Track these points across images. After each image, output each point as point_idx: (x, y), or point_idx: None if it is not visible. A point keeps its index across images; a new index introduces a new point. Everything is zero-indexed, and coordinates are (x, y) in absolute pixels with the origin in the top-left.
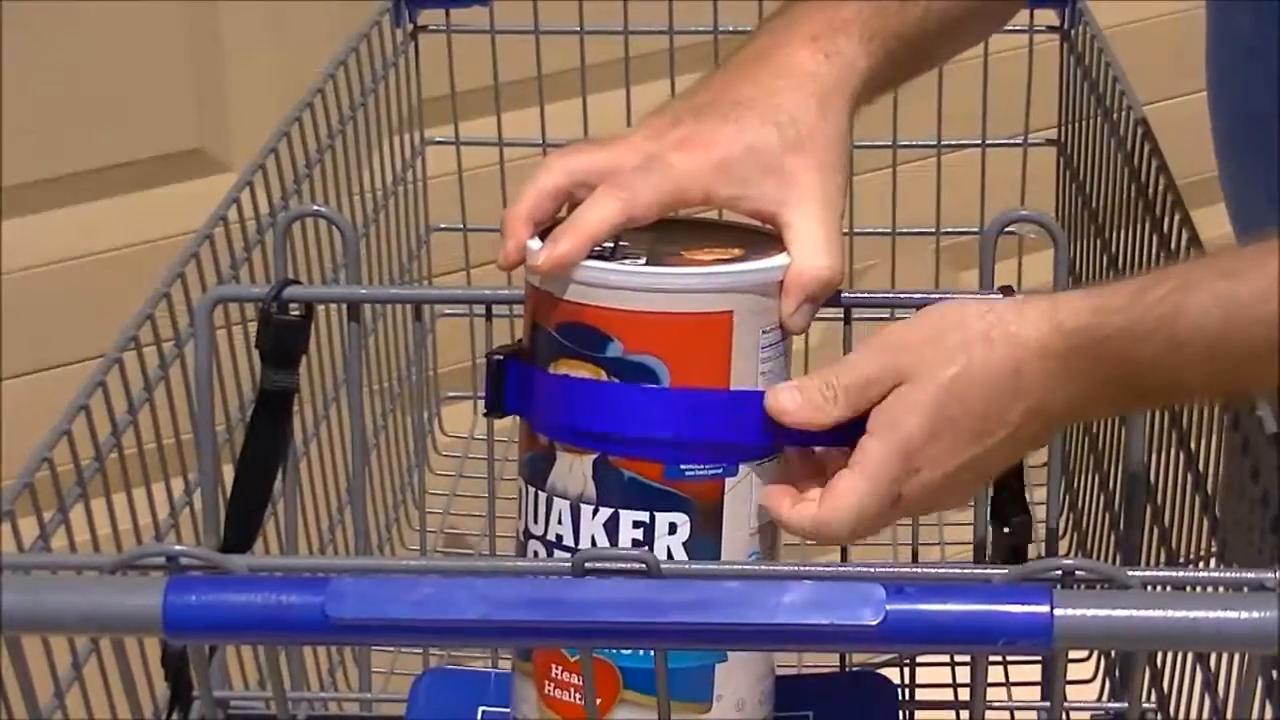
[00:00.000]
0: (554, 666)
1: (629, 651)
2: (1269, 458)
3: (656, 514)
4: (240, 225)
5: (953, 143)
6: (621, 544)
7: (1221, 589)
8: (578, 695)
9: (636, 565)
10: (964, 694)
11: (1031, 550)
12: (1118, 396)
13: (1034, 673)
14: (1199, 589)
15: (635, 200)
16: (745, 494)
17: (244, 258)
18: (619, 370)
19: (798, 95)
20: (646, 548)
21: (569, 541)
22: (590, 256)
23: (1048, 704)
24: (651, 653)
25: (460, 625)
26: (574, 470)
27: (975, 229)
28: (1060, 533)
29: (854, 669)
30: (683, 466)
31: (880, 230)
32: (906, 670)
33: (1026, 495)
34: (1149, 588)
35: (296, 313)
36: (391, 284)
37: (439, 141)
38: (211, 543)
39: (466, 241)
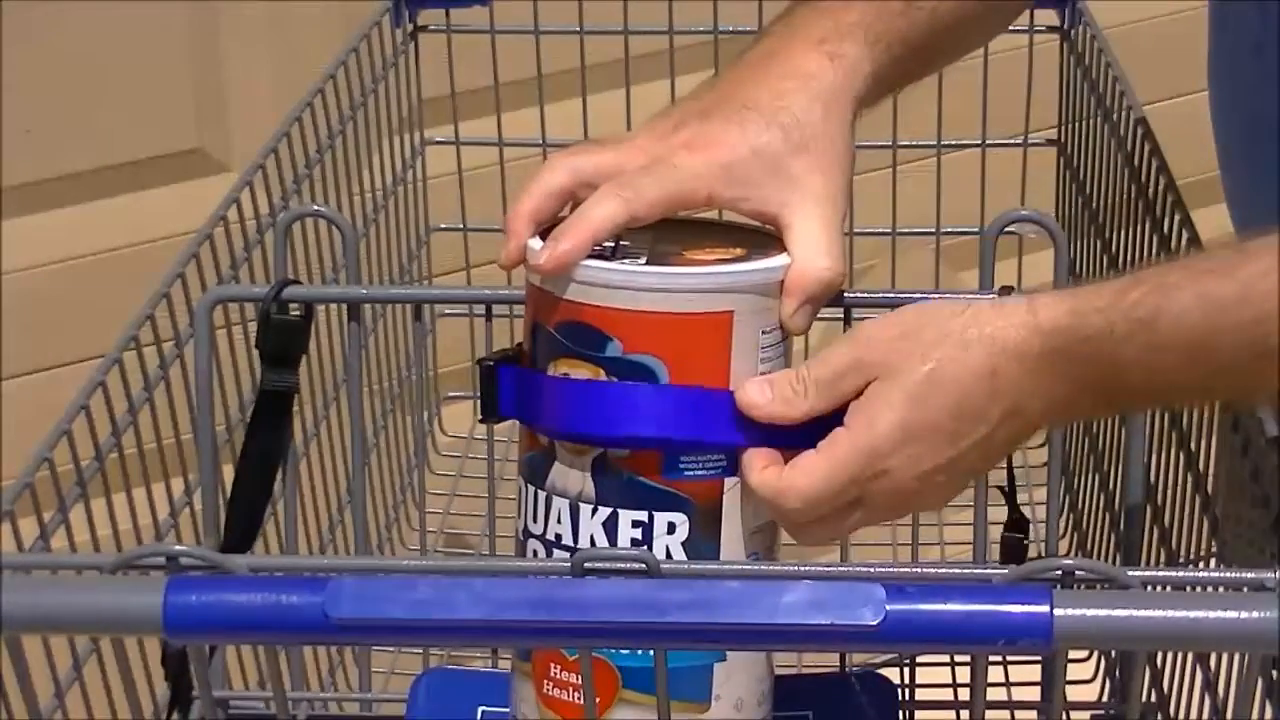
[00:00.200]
0: (553, 666)
1: (628, 651)
2: (1269, 459)
3: (655, 513)
4: (240, 225)
5: (953, 143)
6: (620, 543)
7: (1221, 589)
8: (576, 695)
9: (636, 565)
10: (964, 694)
11: (1032, 550)
12: (1099, 399)
13: (1034, 673)
14: (1199, 589)
15: (638, 200)
16: (745, 493)
17: (244, 258)
18: (618, 370)
19: (803, 98)
20: (645, 547)
21: (568, 541)
22: (590, 256)
23: (1048, 704)
24: (650, 652)
25: (460, 625)
26: (573, 469)
27: (975, 229)
28: (1060, 533)
29: (854, 669)
30: (682, 466)
31: (880, 230)
32: (906, 670)
33: (1024, 494)
34: (1149, 588)
35: (296, 313)
36: (391, 284)
37: (439, 141)
38: (211, 543)
39: (466, 241)
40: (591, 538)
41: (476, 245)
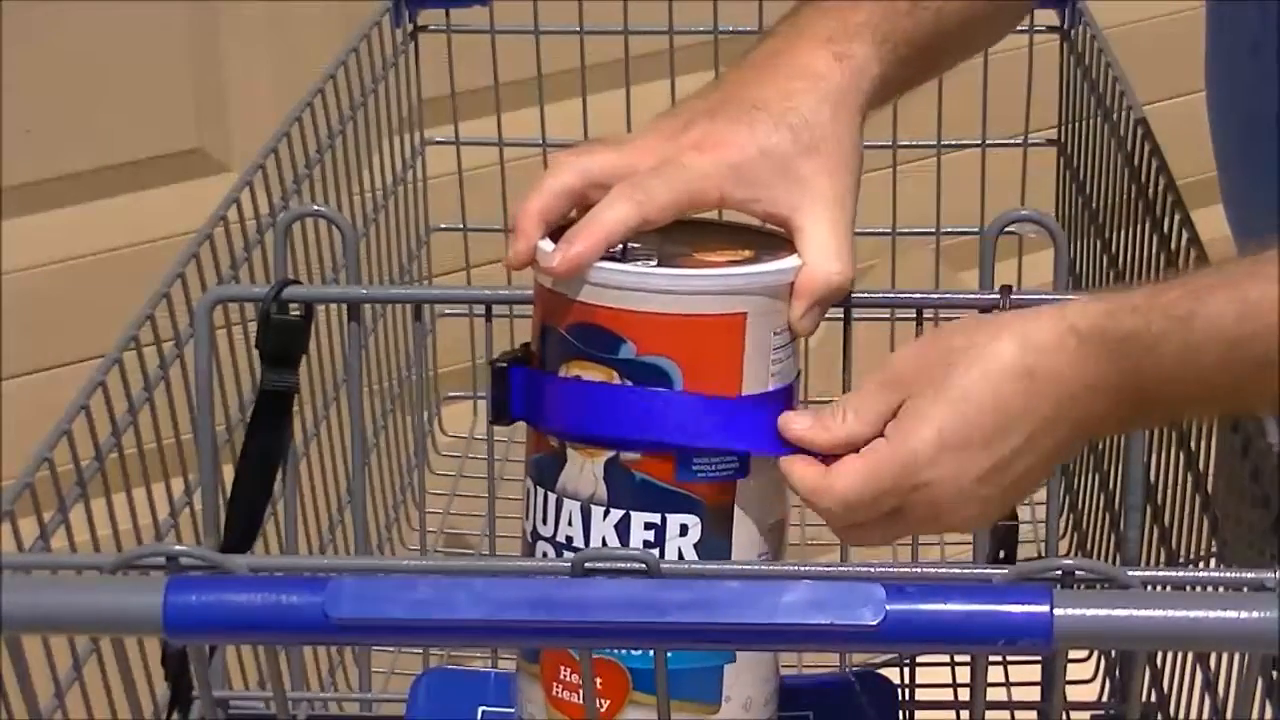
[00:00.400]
0: (562, 669)
1: (639, 653)
2: (1269, 460)
3: (668, 516)
4: (240, 225)
5: (953, 143)
6: (633, 545)
7: (1221, 589)
8: None
9: (636, 565)
10: (964, 694)
11: (1031, 550)
12: (1136, 405)
13: (1034, 673)
14: (1199, 589)
15: (650, 202)
16: (756, 494)
17: (244, 258)
18: (632, 372)
19: (811, 99)
20: (658, 549)
21: (579, 543)
22: (600, 258)
23: (1048, 704)
24: None
25: (460, 625)
26: (585, 472)
27: (975, 229)
28: (1060, 533)
29: (854, 669)
30: (695, 468)
31: (880, 230)
32: (906, 670)
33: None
34: (1149, 588)
35: (296, 313)
36: (391, 284)
37: (439, 141)
38: (211, 543)
39: (466, 241)
40: (604, 540)
41: (476, 245)
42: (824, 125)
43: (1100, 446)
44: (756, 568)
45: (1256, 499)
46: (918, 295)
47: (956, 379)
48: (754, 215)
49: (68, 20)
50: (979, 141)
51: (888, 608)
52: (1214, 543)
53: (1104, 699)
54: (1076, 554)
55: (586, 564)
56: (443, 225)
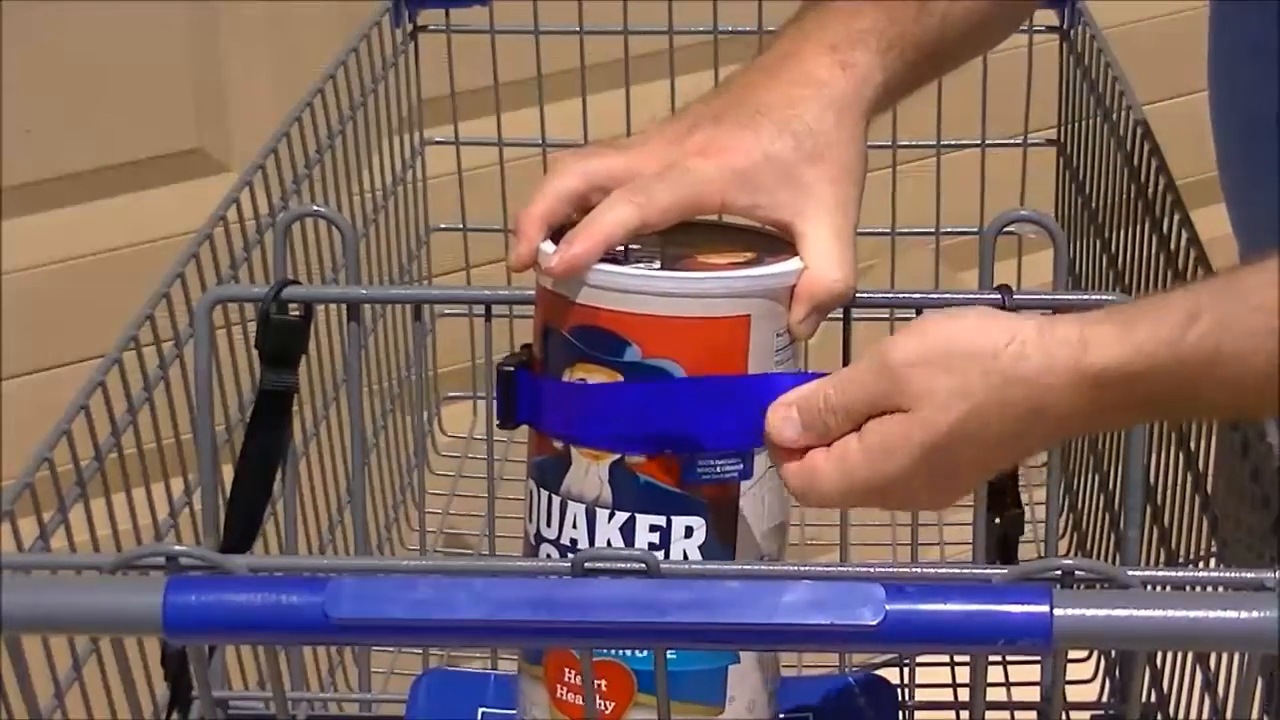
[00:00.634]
0: (567, 670)
1: (643, 654)
2: (1270, 460)
3: (673, 518)
4: (240, 225)
5: (953, 143)
6: (638, 548)
7: (1221, 589)
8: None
9: (636, 565)
10: (964, 694)
11: (1031, 550)
12: (1138, 420)
13: (1034, 673)
14: (1199, 589)
15: (652, 205)
16: (761, 495)
17: (244, 258)
18: (637, 374)
19: (815, 106)
20: (663, 552)
21: (584, 545)
22: (602, 260)
23: (1048, 704)
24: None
25: (460, 625)
26: (590, 474)
27: (975, 229)
28: (1060, 533)
29: (854, 669)
30: (699, 470)
31: (880, 230)
32: (906, 670)
33: (1024, 494)
34: (1149, 588)
35: (296, 313)
36: (391, 284)
37: (439, 141)
38: (211, 543)
39: (466, 241)
40: (608, 542)
41: (476, 245)
42: (828, 133)
43: (1100, 446)
44: (756, 568)
45: (1256, 499)
46: (917, 295)
47: (953, 421)
48: (756, 220)
49: (68, 20)
50: (979, 141)
51: (887, 608)
52: (1214, 543)
53: (1104, 699)
54: (1076, 554)
55: (586, 564)
56: (442, 225)
